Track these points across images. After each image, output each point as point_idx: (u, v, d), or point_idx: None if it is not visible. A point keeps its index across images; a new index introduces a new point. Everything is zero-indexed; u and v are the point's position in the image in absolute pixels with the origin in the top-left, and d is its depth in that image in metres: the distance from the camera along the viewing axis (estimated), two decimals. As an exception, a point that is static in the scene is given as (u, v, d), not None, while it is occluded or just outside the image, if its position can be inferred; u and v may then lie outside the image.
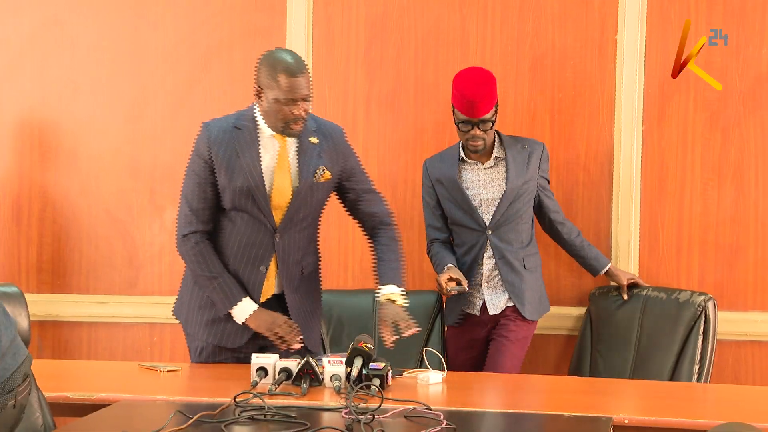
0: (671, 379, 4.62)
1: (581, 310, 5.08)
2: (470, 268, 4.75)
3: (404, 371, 4.01)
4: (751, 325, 4.97)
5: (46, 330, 5.48)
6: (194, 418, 3.19)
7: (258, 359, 3.78)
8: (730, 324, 4.94)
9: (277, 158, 4.15)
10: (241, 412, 3.32)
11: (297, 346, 4.12)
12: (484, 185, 4.73)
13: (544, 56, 5.14)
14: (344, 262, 5.31)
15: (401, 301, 4.19)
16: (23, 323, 4.66)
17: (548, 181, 4.85)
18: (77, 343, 5.49)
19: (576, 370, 4.90)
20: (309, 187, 4.16)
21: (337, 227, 5.15)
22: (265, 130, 4.12)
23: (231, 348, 4.23)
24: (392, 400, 3.46)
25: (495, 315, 4.73)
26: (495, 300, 4.73)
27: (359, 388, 3.56)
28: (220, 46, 5.37)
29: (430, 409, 3.34)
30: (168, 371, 4.09)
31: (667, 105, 5.04)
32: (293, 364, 3.74)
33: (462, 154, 4.78)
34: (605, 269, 4.90)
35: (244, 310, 4.18)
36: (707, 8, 4.99)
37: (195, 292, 4.29)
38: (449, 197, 4.79)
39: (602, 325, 4.89)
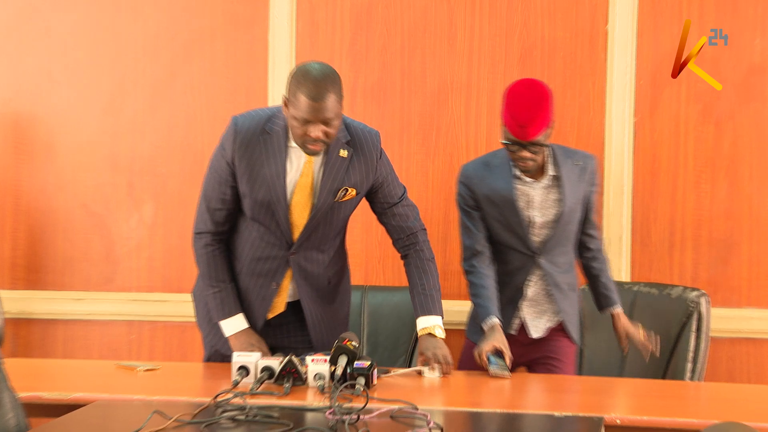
0: (663, 377, 4.60)
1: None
2: (513, 290, 4.43)
3: (391, 370, 3.98)
4: (745, 322, 4.97)
5: (20, 328, 5.45)
6: (173, 418, 3.17)
7: (239, 357, 3.75)
8: (724, 321, 4.94)
9: (301, 171, 4.02)
10: (222, 412, 3.30)
11: None
12: (539, 207, 4.35)
13: (534, 47, 5.12)
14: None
15: (439, 333, 4.14)
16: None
17: (595, 197, 4.47)
18: (52, 342, 5.46)
19: (565, 368, 4.88)
20: (329, 206, 4.05)
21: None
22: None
23: (224, 354, 4.19)
24: (378, 399, 3.44)
25: (536, 338, 4.44)
26: (536, 322, 4.45)
27: (344, 388, 3.54)
28: (202, 36, 5.34)
29: (417, 409, 3.32)
30: (146, 370, 4.07)
31: (659, 97, 5.02)
32: (275, 363, 3.71)
33: (515, 170, 4.34)
34: (611, 309, 4.49)
35: (233, 326, 4.13)
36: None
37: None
38: (499, 217, 4.39)
39: (591, 322, 4.87)
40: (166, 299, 5.35)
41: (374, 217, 4.24)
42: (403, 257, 4.28)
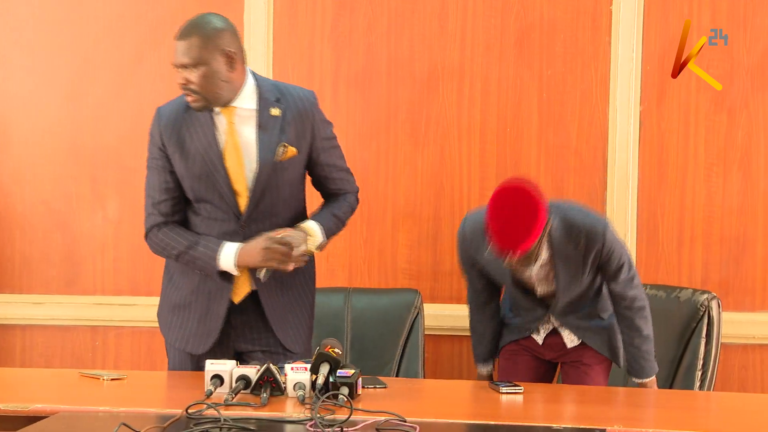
0: (671, 386, 4.64)
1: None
2: (532, 318, 4.43)
3: None
4: (759, 327, 5.00)
5: (-26, 333, 5.48)
6: (142, 431, 3.19)
7: (213, 366, 3.77)
8: (736, 326, 4.98)
9: (225, 137, 4.14)
10: (194, 424, 3.32)
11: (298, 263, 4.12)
12: (538, 281, 4.29)
13: (532, 28, 5.15)
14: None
15: (314, 242, 4.17)
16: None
17: (615, 271, 4.24)
18: (10, 348, 5.47)
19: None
20: (271, 168, 4.13)
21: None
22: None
23: (195, 354, 4.23)
24: (362, 411, 3.47)
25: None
26: (567, 335, 4.43)
27: (326, 398, 3.56)
28: (171, 17, 5.34)
29: (405, 421, 3.35)
30: (112, 379, 4.09)
31: (668, 83, 5.06)
32: (252, 372, 3.73)
33: None
34: (643, 380, 4.34)
35: (228, 255, 4.14)
36: (711, -25, 5.03)
37: (168, 292, 4.33)
38: (498, 276, 4.39)
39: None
40: (133, 303, 5.37)
41: (357, 214, 4.29)
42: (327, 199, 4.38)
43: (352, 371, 3.72)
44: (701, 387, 4.63)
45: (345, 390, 3.62)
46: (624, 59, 5.07)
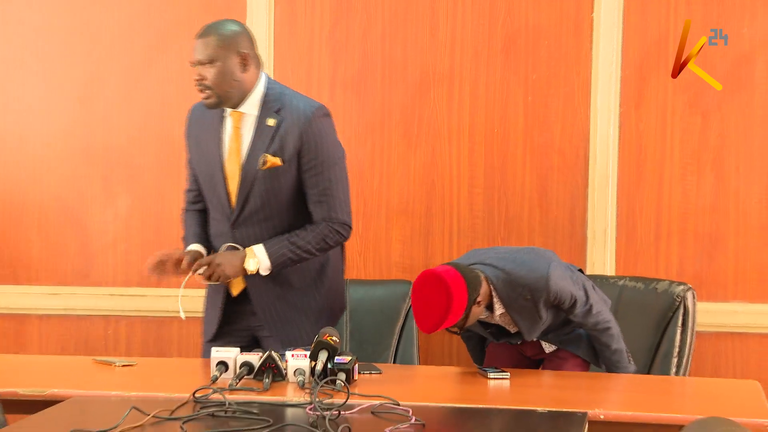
0: (648, 372, 4.65)
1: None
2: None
3: None
4: (731, 316, 5.01)
5: (-6, 323, 5.49)
6: (151, 415, 3.20)
7: (218, 353, 3.79)
8: (709, 315, 4.98)
9: (228, 139, 4.17)
10: (201, 408, 3.33)
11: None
12: (503, 323, 4.27)
13: (518, 35, 5.16)
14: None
15: (250, 265, 4.11)
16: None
17: (570, 306, 4.20)
18: (28, 337, 5.48)
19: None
20: (254, 175, 4.12)
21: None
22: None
23: (206, 341, 4.28)
24: (359, 395, 3.48)
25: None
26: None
27: (324, 383, 3.57)
28: (177, 25, 5.36)
29: (398, 405, 3.36)
30: (123, 366, 4.10)
31: (646, 87, 5.07)
32: (255, 358, 3.75)
33: None
34: None
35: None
36: (687, -15, 5.04)
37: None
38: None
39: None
40: (143, 294, 5.37)
41: (354, 210, 4.30)
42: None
43: (349, 358, 3.74)
44: (677, 373, 4.63)
45: (342, 375, 3.64)
46: (604, 64, 5.08)
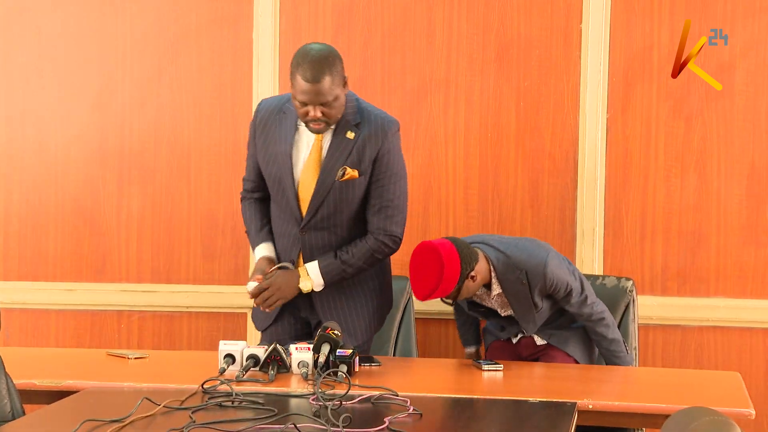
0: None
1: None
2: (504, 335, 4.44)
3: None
4: (713, 311, 5.00)
5: (13, 317, 5.45)
6: (162, 405, 3.19)
7: (225, 346, 3.78)
8: (692, 310, 4.98)
9: (310, 149, 4.08)
10: (209, 398, 3.33)
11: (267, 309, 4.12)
12: (498, 306, 4.28)
13: (510, 44, 5.15)
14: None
15: (306, 286, 4.11)
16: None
17: (566, 295, 4.20)
18: (45, 331, 5.46)
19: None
20: (330, 185, 4.07)
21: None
22: None
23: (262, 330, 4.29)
24: (359, 386, 3.47)
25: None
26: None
27: (326, 375, 3.57)
28: (187, 35, 5.34)
29: (397, 395, 3.36)
30: (136, 358, 4.09)
31: (631, 93, 5.06)
32: (261, 351, 3.74)
33: None
34: None
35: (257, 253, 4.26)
36: (671, -4, 5.03)
37: None
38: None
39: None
40: (155, 290, 5.35)
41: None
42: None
43: (350, 350, 3.73)
44: (637, 364, 4.57)
45: (344, 367, 3.63)
46: (592, 72, 5.07)
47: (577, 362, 4.29)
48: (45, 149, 5.44)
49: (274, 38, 5.26)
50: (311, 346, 3.74)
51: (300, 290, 4.11)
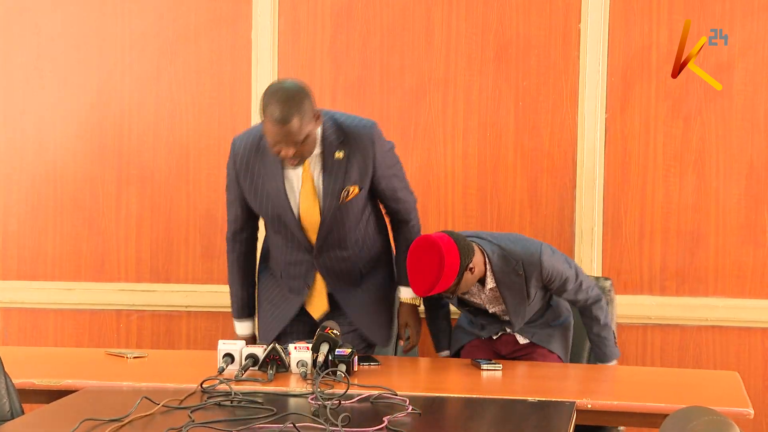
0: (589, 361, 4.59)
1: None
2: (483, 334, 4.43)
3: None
4: (711, 310, 4.99)
5: (12, 317, 5.45)
6: (161, 404, 3.19)
7: (224, 345, 3.77)
8: (691, 309, 4.98)
9: (301, 180, 4.07)
10: (208, 398, 3.33)
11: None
12: (488, 302, 4.28)
13: (509, 44, 5.14)
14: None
15: (418, 302, 4.32)
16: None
17: (563, 282, 4.21)
18: (44, 330, 5.45)
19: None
20: (336, 209, 4.08)
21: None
22: None
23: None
24: (358, 386, 3.47)
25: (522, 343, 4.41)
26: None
27: (325, 374, 3.57)
28: (186, 35, 5.34)
29: (396, 395, 3.35)
30: (134, 358, 4.09)
31: (630, 93, 5.05)
32: (260, 351, 3.74)
33: None
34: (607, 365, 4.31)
35: (238, 330, 4.36)
36: (669, -4, 5.02)
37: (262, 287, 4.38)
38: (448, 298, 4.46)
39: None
40: (153, 289, 5.35)
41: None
42: (393, 229, 4.35)
43: (349, 350, 3.72)
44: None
45: (342, 367, 3.63)
46: (591, 72, 5.06)
47: (560, 358, 4.29)
48: (44, 149, 5.43)
49: (273, 38, 5.25)
50: (310, 345, 3.74)
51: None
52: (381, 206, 4.34)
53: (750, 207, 4.99)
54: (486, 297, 4.22)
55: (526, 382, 3.92)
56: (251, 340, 4.33)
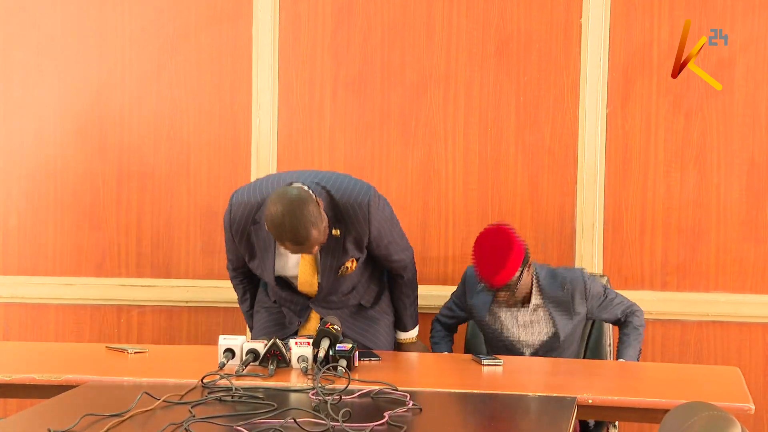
0: (585, 356, 4.59)
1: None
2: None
3: None
4: (712, 305, 4.99)
5: (12, 312, 5.45)
6: (161, 399, 3.19)
7: (225, 340, 3.77)
8: (692, 305, 4.98)
9: (292, 258, 4.11)
10: (209, 393, 3.33)
11: None
12: (523, 327, 4.35)
13: (510, 39, 5.14)
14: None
15: (411, 338, 4.47)
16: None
17: (605, 299, 4.40)
18: (45, 325, 5.45)
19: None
20: (333, 281, 4.13)
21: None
22: None
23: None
24: (359, 381, 3.47)
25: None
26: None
27: (326, 370, 3.56)
28: (187, 31, 5.33)
29: (397, 390, 3.35)
30: (135, 353, 4.09)
31: (631, 89, 5.05)
32: (260, 346, 3.73)
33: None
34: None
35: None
36: (671, -8, 5.02)
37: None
38: (479, 326, 4.51)
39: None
40: (154, 284, 5.35)
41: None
42: (389, 276, 4.44)
43: (350, 345, 3.72)
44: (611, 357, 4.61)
45: (343, 362, 3.63)
46: (592, 67, 5.06)
47: None
48: (45, 144, 5.43)
49: (273, 34, 5.25)
50: (311, 341, 3.74)
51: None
52: None
53: (751, 203, 4.99)
54: (522, 320, 4.29)
55: (528, 377, 3.92)
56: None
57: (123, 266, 5.40)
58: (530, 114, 5.13)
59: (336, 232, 4.05)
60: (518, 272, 4.13)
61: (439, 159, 5.17)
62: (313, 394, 3.31)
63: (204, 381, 3.43)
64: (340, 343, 3.72)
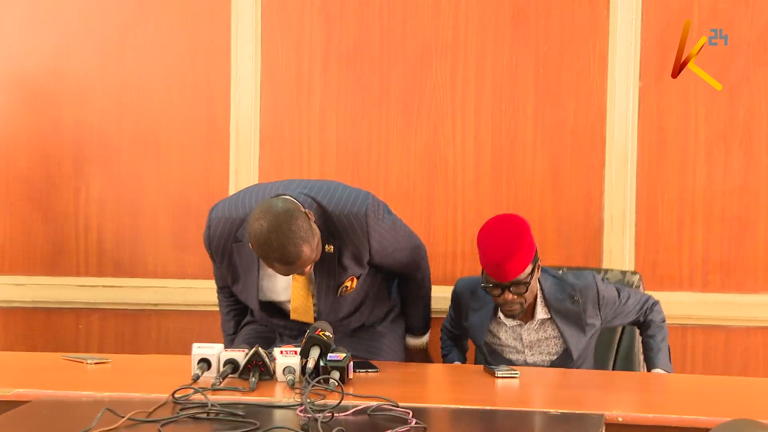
0: (614, 367, 4.61)
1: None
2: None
3: None
4: (762, 309, 5.01)
5: (-48, 317, 5.48)
6: (126, 417, 3.19)
7: (199, 349, 3.77)
8: (738, 308, 5.00)
9: (283, 280, 4.14)
10: (181, 409, 3.32)
11: None
12: (529, 346, 4.38)
13: (527, 4, 5.14)
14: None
15: (421, 344, 4.55)
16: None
17: (619, 304, 4.40)
18: (-9, 332, 5.48)
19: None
20: (331, 302, 4.15)
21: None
22: None
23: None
24: (354, 395, 3.47)
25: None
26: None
27: (316, 383, 3.56)
28: (156, -10, 5.34)
29: (398, 406, 3.35)
30: (96, 363, 4.10)
31: (668, 59, 5.05)
32: (240, 355, 3.73)
33: (498, 310, 4.36)
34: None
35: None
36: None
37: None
38: (479, 349, 4.53)
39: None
40: (118, 284, 5.36)
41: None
42: (399, 281, 4.49)
43: (343, 355, 3.72)
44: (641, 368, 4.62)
45: (336, 374, 3.64)
46: (623, 34, 5.06)
47: None
48: (-11, 122, 5.43)
49: (255, -2, 5.25)
50: (298, 349, 3.74)
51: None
52: None
53: (806, 190, 5.01)
54: (528, 339, 4.31)
55: (547, 391, 3.92)
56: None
57: (82, 264, 5.41)
58: (551, 89, 5.13)
59: (329, 248, 4.06)
60: (530, 267, 4.14)
61: (447, 142, 5.18)
62: (301, 411, 3.31)
63: (175, 396, 3.43)
64: (332, 352, 3.71)
